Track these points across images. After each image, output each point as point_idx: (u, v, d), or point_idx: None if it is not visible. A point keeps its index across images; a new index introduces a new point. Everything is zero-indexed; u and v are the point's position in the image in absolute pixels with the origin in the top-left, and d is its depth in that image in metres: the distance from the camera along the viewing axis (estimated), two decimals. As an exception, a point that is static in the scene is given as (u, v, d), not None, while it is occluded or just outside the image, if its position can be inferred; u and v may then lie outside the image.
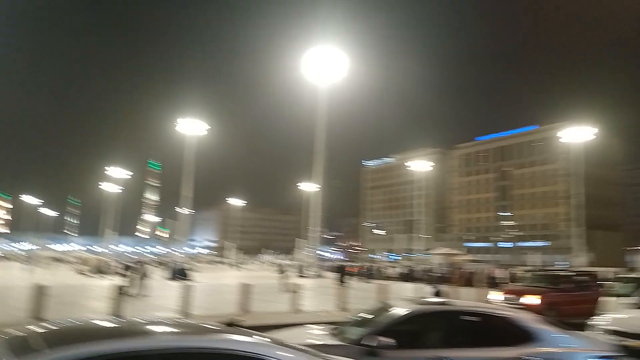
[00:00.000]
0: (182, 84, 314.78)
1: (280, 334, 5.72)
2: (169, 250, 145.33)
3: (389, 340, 5.22)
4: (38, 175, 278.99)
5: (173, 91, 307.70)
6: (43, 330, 3.31)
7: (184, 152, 56.75)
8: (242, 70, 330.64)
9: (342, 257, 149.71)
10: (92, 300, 19.29)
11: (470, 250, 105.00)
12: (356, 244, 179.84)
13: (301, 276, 40.88)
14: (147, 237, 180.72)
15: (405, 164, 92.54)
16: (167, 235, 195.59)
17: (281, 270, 30.19)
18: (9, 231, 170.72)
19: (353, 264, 69.28)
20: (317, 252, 59.51)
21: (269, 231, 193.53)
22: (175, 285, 29.26)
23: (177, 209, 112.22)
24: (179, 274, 31.72)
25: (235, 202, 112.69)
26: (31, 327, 3.46)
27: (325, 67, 45.67)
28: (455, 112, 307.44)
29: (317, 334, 6.47)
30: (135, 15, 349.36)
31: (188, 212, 61.92)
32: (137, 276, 19.78)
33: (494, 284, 31.35)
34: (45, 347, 2.83)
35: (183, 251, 75.08)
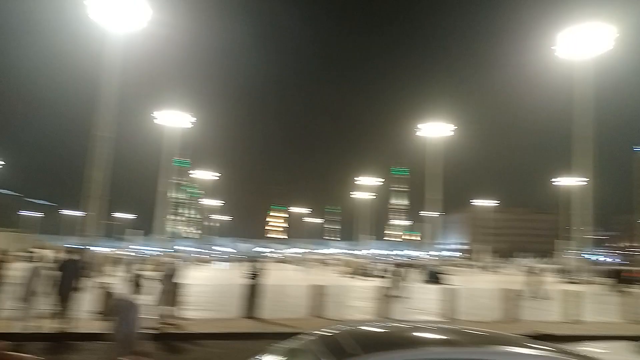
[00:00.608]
0: (424, 86, 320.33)
1: (580, 348, 5.00)
2: (419, 254, 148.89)
3: None
4: (305, 188, 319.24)
5: (416, 95, 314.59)
6: (351, 332, 3.44)
7: (429, 156, 57.31)
8: (484, 62, 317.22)
9: (617, 260, 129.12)
10: (359, 301, 20.74)
11: None
12: (634, 244, 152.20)
13: (570, 282, 36.73)
14: (396, 240, 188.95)
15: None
16: (416, 239, 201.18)
17: (531, 273, 27.38)
18: (286, 237, 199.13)
19: (633, 268, 58.77)
20: (584, 254, 52.61)
21: (523, 232, 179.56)
22: (431, 288, 29.53)
23: (425, 213, 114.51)
24: (433, 277, 31.84)
25: (485, 202, 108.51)
26: (337, 328, 3.66)
27: (586, 42, 42.62)
28: None
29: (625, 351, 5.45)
30: (374, 25, 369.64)
31: (436, 215, 62.17)
32: (398, 278, 20.51)
33: None
34: (361, 351, 2.88)
35: (434, 254, 75.60)
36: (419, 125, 59.11)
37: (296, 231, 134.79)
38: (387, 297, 15.61)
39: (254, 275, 14.54)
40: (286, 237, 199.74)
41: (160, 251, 56.81)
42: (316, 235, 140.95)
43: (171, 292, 12.45)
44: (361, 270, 44.88)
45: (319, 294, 14.61)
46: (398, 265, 27.83)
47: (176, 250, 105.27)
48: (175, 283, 12.74)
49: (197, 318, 13.41)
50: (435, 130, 57.24)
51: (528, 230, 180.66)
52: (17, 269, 12.25)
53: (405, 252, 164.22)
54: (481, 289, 27.10)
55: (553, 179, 74.11)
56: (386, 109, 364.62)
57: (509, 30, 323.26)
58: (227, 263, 69.24)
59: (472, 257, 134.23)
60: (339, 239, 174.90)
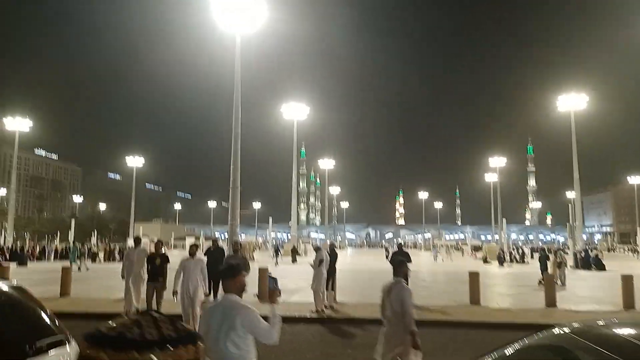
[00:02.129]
0: (558, 57, 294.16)
1: None
2: (559, 238, 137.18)
3: None
4: (426, 171, 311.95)
5: (552, 66, 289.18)
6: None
7: (564, 131, 52.11)
8: (619, 25, 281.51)
9: None
10: (515, 288, 19.38)
11: None
12: None
13: None
14: (530, 224, 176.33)
15: None
16: (550, 222, 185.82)
17: None
18: (403, 223, 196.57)
19: None
20: None
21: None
22: (587, 275, 26.79)
23: (565, 193, 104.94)
24: (587, 262, 28.82)
25: (634, 180, 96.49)
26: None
27: None
28: None
29: None
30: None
31: (576, 195, 56.46)
32: (559, 264, 18.82)
33: None
34: None
35: (577, 238, 68.86)
36: (554, 99, 53.96)
37: (419, 216, 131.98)
38: (545, 284, 14.19)
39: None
40: (404, 222, 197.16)
41: (292, 237, 59.29)
42: (442, 220, 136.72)
43: (326, 277, 12.53)
44: (498, 256, 42.46)
45: (475, 281, 13.76)
46: (553, 251, 25.53)
47: (308, 237, 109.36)
48: (329, 268, 12.80)
49: (352, 302, 13.41)
50: (571, 102, 51.75)
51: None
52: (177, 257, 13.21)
53: (544, 236, 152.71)
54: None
55: None
56: (517, 82, 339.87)
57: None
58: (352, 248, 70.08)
59: (629, 240, 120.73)
60: (466, 224, 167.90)
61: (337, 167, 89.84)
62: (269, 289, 3.70)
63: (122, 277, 11.33)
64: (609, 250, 74.68)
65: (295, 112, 56.85)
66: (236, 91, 21.25)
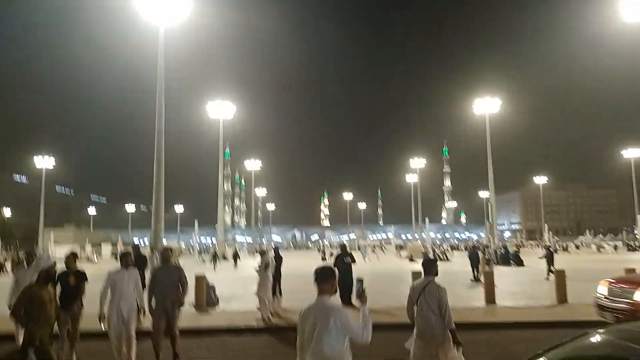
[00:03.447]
0: (472, 60, 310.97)
1: None
2: (474, 235, 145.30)
3: None
4: (350, 173, 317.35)
5: (465, 70, 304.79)
6: None
7: (479, 134, 55.03)
8: (535, 27, 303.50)
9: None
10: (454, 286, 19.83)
11: None
12: None
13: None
14: (446, 223, 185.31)
15: None
16: (464, 220, 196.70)
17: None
18: (329, 224, 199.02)
19: None
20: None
21: (583, 210, 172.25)
22: (507, 270, 28.20)
23: (478, 193, 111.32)
24: (513, 259, 30.40)
25: (540, 180, 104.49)
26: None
27: None
28: None
29: None
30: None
31: (489, 195, 59.97)
32: (482, 261, 19.49)
33: None
34: None
35: (491, 235, 73.11)
36: (469, 103, 56.92)
37: (344, 217, 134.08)
38: (485, 281, 14.58)
39: (344, 262, 13.85)
40: (330, 223, 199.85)
41: (217, 241, 57.57)
42: (365, 220, 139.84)
43: (271, 282, 11.96)
44: (422, 254, 43.88)
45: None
46: (482, 248, 26.55)
47: (234, 241, 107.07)
48: (275, 273, 12.24)
49: (297, 308, 12.90)
50: (485, 106, 54.87)
51: (587, 207, 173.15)
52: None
53: (459, 234, 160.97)
54: (574, 269, 25.55)
55: (622, 151, 69.63)
56: (433, 87, 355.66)
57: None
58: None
59: (532, 236, 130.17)
60: (388, 223, 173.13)
61: (262, 168, 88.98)
62: (357, 291, 3.53)
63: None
64: (517, 246, 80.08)
65: (220, 111, 55.25)
66: (159, 86, 20.08)
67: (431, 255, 42.69)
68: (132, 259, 7.88)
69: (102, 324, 7.14)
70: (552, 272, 19.38)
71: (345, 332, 3.49)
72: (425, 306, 5.33)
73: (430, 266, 5.65)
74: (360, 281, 3.96)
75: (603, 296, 9.66)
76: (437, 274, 5.66)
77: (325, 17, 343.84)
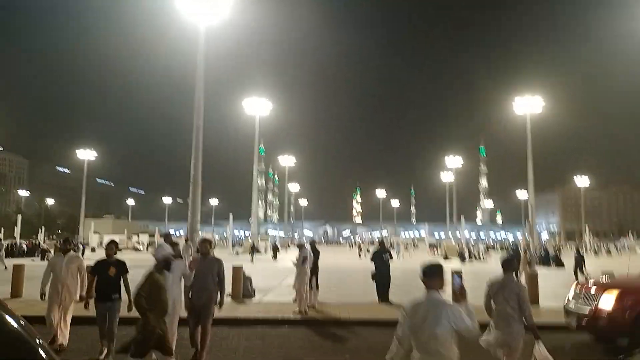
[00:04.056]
0: (515, 59, 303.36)
1: None
2: (514, 236, 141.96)
3: None
4: (383, 169, 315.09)
5: (507, 70, 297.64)
6: None
7: (516, 133, 53.53)
8: (577, 30, 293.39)
9: None
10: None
11: None
12: None
13: None
14: (485, 222, 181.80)
15: None
16: (501, 221, 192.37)
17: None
18: (360, 221, 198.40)
19: None
20: None
21: (626, 211, 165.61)
22: (547, 272, 27.36)
23: (518, 193, 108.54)
24: (553, 260, 29.50)
25: (582, 180, 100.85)
26: None
27: None
28: None
29: None
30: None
31: (529, 195, 58.33)
32: (531, 262, 18.95)
33: None
34: None
35: (531, 236, 71.23)
36: (508, 101, 55.41)
37: (376, 214, 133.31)
38: (529, 282, 14.14)
39: (382, 258, 13.69)
40: (362, 220, 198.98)
41: (252, 234, 58.21)
42: (397, 218, 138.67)
43: (308, 275, 11.92)
44: (460, 252, 43.13)
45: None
46: (523, 248, 25.86)
47: (267, 234, 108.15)
48: (312, 267, 12.20)
49: (333, 302, 12.84)
50: (526, 105, 53.23)
51: (630, 208, 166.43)
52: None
53: (494, 234, 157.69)
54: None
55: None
56: (472, 83, 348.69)
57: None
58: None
59: (569, 238, 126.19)
60: (421, 222, 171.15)
61: (296, 164, 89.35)
62: (459, 286, 3.74)
63: (42, 296, 7.78)
64: (556, 248, 77.63)
65: (257, 108, 55.72)
66: (198, 83, 20.28)
67: (466, 255, 42.02)
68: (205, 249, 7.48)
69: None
70: (582, 274, 19.10)
71: (456, 326, 3.53)
72: (503, 301, 5.49)
73: (509, 264, 5.83)
74: (459, 277, 4.08)
75: (571, 300, 8.98)
76: (515, 271, 6.00)
77: (362, 12, 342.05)
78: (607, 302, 8.01)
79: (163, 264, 5.98)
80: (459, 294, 3.95)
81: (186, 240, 19.45)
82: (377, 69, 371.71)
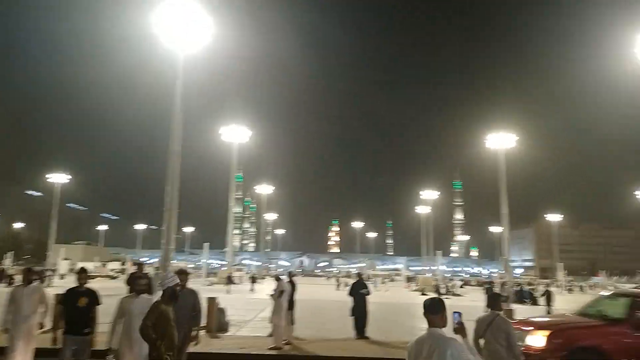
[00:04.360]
0: (488, 96, 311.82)
1: None
2: (487, 271, 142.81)
3: None
4: (361, 202, 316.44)
5: (480, 106, 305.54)
6: None
7: (493, 168, 54.55)
8: (552, 67, 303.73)
9: None
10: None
11: None
12: None
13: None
14: (457, 256, 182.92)
15: None
16: (476, 255, 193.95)
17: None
18: (339, 251, 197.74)
19: None
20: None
21: (597, 249, 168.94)
22: (523, 309, 27.31)
23: (491, 228, 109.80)
24: (528, 297, 29.59)
25: (554, 217, 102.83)
26: None
27: None
28: None
29: None
30: (434, 33, 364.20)
31: (502, 230, 59.02)
32: (507, 299, 18.92)
33: None
34: None
35: (504, 272, 71.74)
36: (482, 137, 56.58)
37: (352, 245, 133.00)
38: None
39: (360, 292, 13.44)
40: (339, 251, 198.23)
41: (225, 264, 57.16)
42: (373, 250, 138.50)
43: (285, 309, 11.60)
44: (437, 287, 43.03)
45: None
46: (500, 285, 25.87)
47: (242, 264, 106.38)
48: (289, 300, 11.88)
49: (310, 337, 12.49)
50: (500, 141, 54.40)
51: (602, 247, 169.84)
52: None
53: (470, 268, 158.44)
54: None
55: (636, 192, 68.39)
56: (447, 122, 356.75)
57: (580, 33, 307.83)
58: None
59: (545, 275, 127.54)
60: (398, 254, 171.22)
61: (274, 193, 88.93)
62: (459, 323, 3.68)
63: (4, 330, 7.27)
64: (531, 285, 78.09)
65: (235, 135, 55.61)
66: (176, 108, 20.12)
67: (442, 290, 41.84)
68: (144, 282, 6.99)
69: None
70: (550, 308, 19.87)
71: None
72: (492, 339, 5.57)
73: (495, 301, 6.07)
74: (459, 313, 3.92)
75: None
76: (501, 309, 6.00)
77: (345, 46, 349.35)
78: (534, 341, 8.09)
79: (170, 295, 5.67)
80: (459, 330, 3.91)
81: (156, 269, 18.87)
82: (357, 103, 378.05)
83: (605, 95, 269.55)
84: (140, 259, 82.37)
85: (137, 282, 6.63)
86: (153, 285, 12.57)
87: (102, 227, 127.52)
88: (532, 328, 8.40)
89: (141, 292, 6.46)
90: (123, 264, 67.63)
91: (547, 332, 8.15)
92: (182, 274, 6.96)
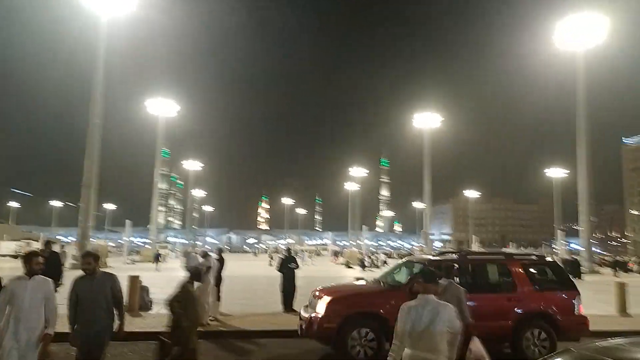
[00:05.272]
0: (415, 78, 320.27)
1: None
2: (410, 244, 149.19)
3: None
4: (291, 179, 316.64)
5: (407, 87, 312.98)
6: None
7: (416, 147, 56.92)
8: (475, 52, 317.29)
9: (597, 250, 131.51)
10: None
11: None
12: (618, 234, 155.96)
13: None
14: (382, 231, 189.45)
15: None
16: (400, 229, 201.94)
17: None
18: (268, 228, 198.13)
19: (626, 258, 61.00)
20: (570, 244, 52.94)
21: (508, 223, 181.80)
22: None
23: (415, 203, 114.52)
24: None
25: (471, 193, 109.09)
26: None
27: (581, 32, 42.54)
28: None
29: None
30: (365, 15, 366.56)
31: (424, 206, 62.02)
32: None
33: None
34: None
35: (429, 245, 75.43)
36: (410, 117, 58.70)
37: (281, 222, 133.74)
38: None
39: (289, 266, 13.64)
40: (269, 228, 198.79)
41: (151, 242, 55.45)
42: (302, 226, 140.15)
43: (211, 286, 11.54)
44: (362, 260, 44.46)
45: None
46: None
47: (167, 241, 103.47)
48: (217, 276, 11.83)
49: (237, 313, 12.53)
50: (426, 121, 56.74)
51: (514, 221, 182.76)
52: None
53: (393, 242, 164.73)
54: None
55: (546, 170, 74.02)
56: (376, 100, 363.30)
57: (502, 20, 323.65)
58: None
59: (460, 247, 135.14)
60: (326, 229, 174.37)
61: (202, 170, 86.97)
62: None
63: None
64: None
65: (161, 109, 53.48)
66: (97, 77, 19.03)
67: (366, 263, 43.38)
68: (36, 262, 5.28)
69: None
70: None
71: (451, 328, 4.08)
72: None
73: (448, 270, 6.72)
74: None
75: (306, 307, 9.08)
76: (454, 277, 6.97)
77: (274, 19, 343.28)
78: (318, 308, 8.29)
79: (194, 275, 5.93)
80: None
81: (62, 247, 17.92)
82: (285, 79, 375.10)
83: (523, 80, 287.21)
84: (56, 237, 77.76)
85: (33, 261, 5.26)
86: (62, 265, 11.94)
87: (13, 204, 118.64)
88: (322, 295, 8.53)
89: (35, 272, 5.22)
90: (35, 241, 63.47)
91: (328, 299, 8.27)
92: (88, 256, 5.60)
